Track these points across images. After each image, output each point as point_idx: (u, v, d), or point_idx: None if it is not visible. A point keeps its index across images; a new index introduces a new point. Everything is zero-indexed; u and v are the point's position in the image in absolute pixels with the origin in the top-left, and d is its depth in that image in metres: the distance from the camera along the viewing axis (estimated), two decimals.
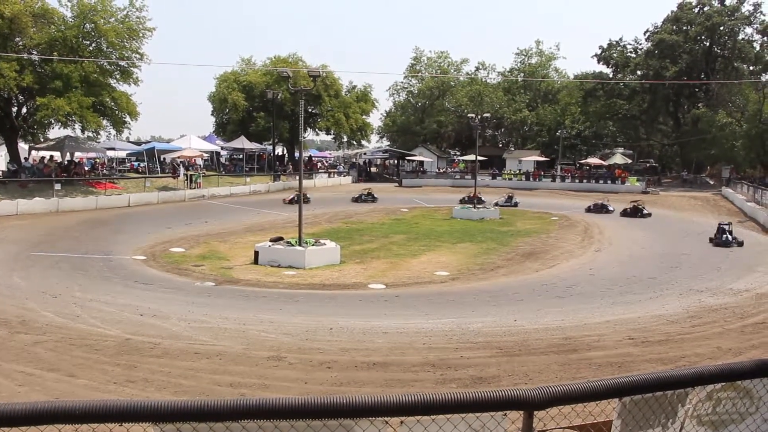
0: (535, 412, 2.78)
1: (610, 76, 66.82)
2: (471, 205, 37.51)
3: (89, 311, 13.98)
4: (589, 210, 38.24)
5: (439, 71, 78.36)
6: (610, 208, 37.86)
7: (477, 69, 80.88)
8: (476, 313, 14.85)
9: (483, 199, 40.42)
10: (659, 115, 66.37)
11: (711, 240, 25.51)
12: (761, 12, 60.59)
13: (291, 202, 37.68)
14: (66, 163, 40.56)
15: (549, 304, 15.93)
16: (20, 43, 35.22)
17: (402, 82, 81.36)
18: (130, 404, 2.44)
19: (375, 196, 44.27)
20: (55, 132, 41.76)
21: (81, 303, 14.76)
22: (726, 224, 26.15)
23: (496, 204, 40.46)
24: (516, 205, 42.01)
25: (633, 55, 66.17)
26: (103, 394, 9.04)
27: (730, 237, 25.26)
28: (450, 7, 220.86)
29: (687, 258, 22.52)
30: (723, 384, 3.18)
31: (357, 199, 43.42)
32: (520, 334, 12.84)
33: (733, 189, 48.78)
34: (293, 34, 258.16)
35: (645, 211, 36.17)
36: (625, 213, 36.38)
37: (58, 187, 34.59)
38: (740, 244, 24.93)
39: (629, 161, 64.89)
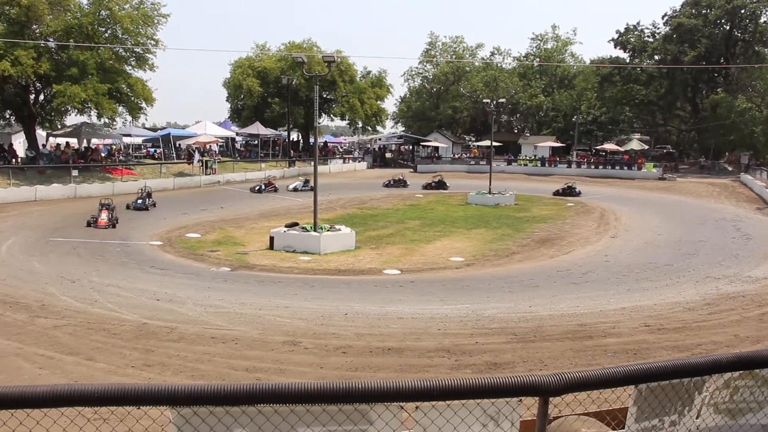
0: (551, 399, 2.78)
1: (627, 60, 66.09)
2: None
3: (107, 296, 14.12)
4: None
5: (454, 56, 77.89)
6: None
7: (492, 54, 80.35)
8: (491, 299, 14.83)
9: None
10: (677, 101, 65.59)
11: None
12: None
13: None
14: (83, 149, 40.81)
15: (564, 290, 15.88)
16: (37, 30, 35.35)
17: (417, 68, 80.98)
18: (147, 388, 2.46)
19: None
20: (72, 119, 42.06)
21: (99, 288, 14.91)
22: None
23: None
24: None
25: (650, 40, 65.39)
26: (121, 377, 9.16)
27: None
28: None
29: (704, 245, 22.34)
30: (741, 372, 3.16)
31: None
32: (535, 320, 12.83)
33: (752, 175, 48.21)
34: (308, 20, 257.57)
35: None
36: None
37: (75, 173, 34.86)
38: None
39: (646, 147, 64.26)
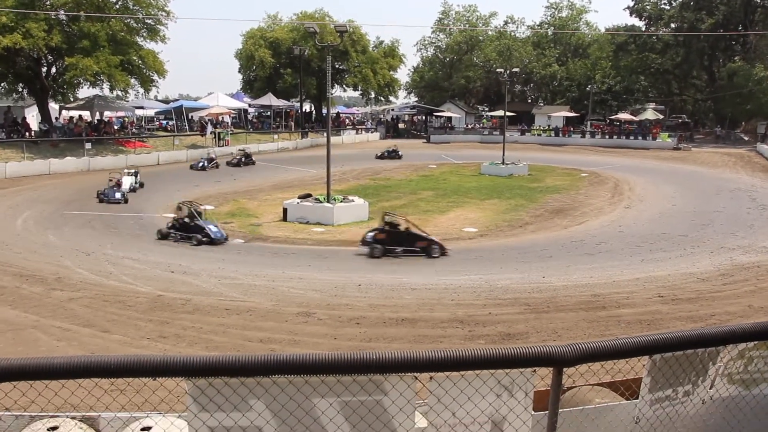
0: (565, 369, 2.78)
1: (643, 29, 65.06)
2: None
3: (122, 268, 14.25)
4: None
5: (467, 25, 77.00)
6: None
7: (506, 23, 79.33)
8: (504, 270, 14.85)
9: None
10: (693, 69, 64.63)
11: None
12: None
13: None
14: (96, 122, 40.88)
15: (578, 261, 15.87)
16: (48, 2, 35.21)
17: (430, 37, 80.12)
18: (163, 359, 2.48)
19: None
20: (84, 92, 41.99)
21: (113, 260, 15.05)
22: None
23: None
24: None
25: (667, 7, 64.21)
26: (137, 349, 9.27)
27: None
28: None
29: (719, 215, 22.18)
30: (755, 343, 3.14)
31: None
32: (548, 291, 12.84)
33: None
34: None
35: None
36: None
37: (88, 146, 34.94)
38: None
39: (661, 117, 63.51)
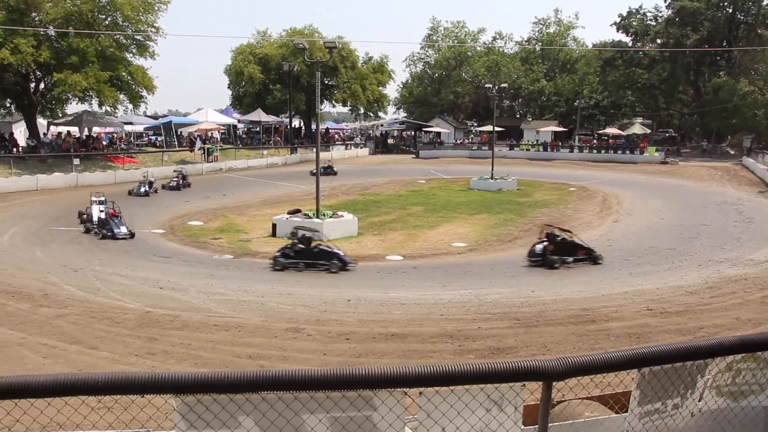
0: (554, 383, 2.78)
1: (630, 44, 65.73)
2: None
3: (110, 284, 14.16)
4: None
5: (456, 41, 77.49)
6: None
7: (494, 39, 79.82)
8: (493, 284, 14.87)
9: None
10: (679, 84, 65.28)
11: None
12: None
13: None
14: (84, 138, 40.78)
15: (566, 275, 15.92)
16: (36, 18, 35.19)
17: (419, 53, 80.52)
18: (151, 376, 2.46)
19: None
20: (73, 107, 41.97)
21: (101, 276, 14.95)
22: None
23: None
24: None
25: (653, 23, 64.98)
26: (125, 366, 9.19)
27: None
28: None
29: (706, 228, 22.32)
30: (743, 355, 3.16)
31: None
32: (537, 305, 12.86)
33: (755, 159, 48.01)
34: (309, 6, 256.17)
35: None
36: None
37: (76, 162, 34.82)
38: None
39: (648, 131, 64.03)
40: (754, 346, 3.16)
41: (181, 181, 32.90)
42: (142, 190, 30.17)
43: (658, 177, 41.44)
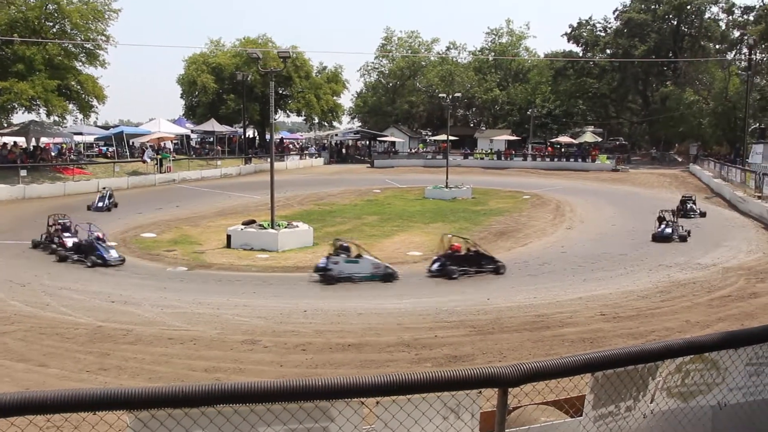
0: (510, 389, 2.81)
1: (580, 54, 67.21)
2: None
3: (59, 299, 13.80)
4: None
5: (410, 51, 78.07)
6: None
7: (448, 49, 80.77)
8: (450, 293, 14.94)
9: None
10: (628, 94, 67.00)
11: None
12: None
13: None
14: (31, 149, 39.77)
15: (522, 282, 16.09)
16: None
17: (373, 63, 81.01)
18: (103, 392, 2.41)
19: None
20: (19, 117, 40.98)
21: (50, 291, 14.57)
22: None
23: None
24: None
25: (602, 34, 66.62)
26: (76, 383, 8.96)
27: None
28: None
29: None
30: (691, 357, 3.24)
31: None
32: (493, 312, 12.97)
33: (701, 166, 49.53)
34: (262, 15, 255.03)
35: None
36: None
37: (23, 173, 33.87)
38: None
39: (599, 139, 65.46)
40: (701, 348, 3.25)
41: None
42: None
43: (610, 184, 42.31)
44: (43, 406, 2.34)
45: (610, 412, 3.16)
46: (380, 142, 67.73)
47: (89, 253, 17.85)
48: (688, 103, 56.96)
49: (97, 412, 2.46)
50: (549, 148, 62.36)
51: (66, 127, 43.06)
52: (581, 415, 3.17)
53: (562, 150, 60.38)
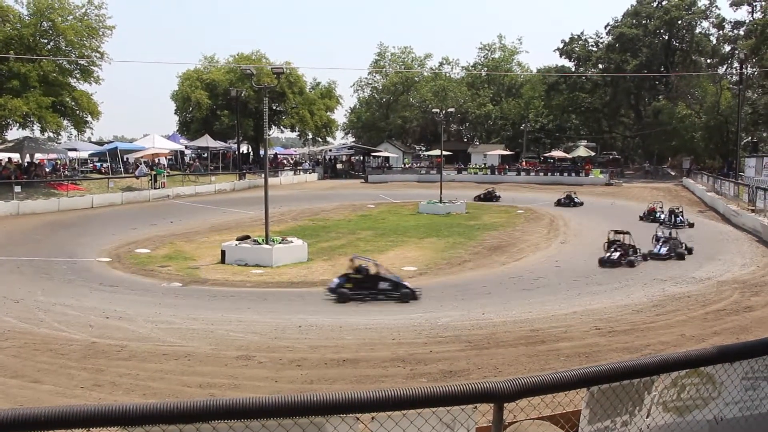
0: (506, 404, 2.80)
1: (573, 69, 67.65)
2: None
3: (53, 315, 13.73)
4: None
5: (403, 66, 78.41)
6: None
7: (441, 64, 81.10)
8: (444, 308, 14.92)
9: None
10: (621, 108, 67.43)
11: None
12: (716, 6, 62.30)
13: None
14: (26, 164, 39.68)
15: (516, 296, 16.08)
16: None
17: (366, 78, 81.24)
18: (97, 409, 2.40)
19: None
20: (14, 133, 40.89)
21: (44, 307, 14.49)
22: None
23: None
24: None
25: (594, 49, 67.13)
26: (70, 399, 8.90)
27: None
28: (414, 2, 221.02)
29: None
30: (687, 371, 3.24)
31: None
32: (488, 327, 12.95)
33: (694, 179, 49.73)
34: (256, 32, 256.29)
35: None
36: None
37: (18, 189, 33.77)
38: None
39: (592, 154, 65.79)
40: (697, 362, 3.25)
41: None
42: None
43: (603, 198, 42.41)
44: (37, 422, 2.32)
45: (606, 426, 3.15)
46: (374, 157, 67.86)
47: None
48: (681, 117, 57.33)
49: (90, 429, 2.44)
50: (540, 164, 62.53)
51: (60, 143, 43.00)
52: (577, 430, 3.16)
53: (555, 164, 60.56)
